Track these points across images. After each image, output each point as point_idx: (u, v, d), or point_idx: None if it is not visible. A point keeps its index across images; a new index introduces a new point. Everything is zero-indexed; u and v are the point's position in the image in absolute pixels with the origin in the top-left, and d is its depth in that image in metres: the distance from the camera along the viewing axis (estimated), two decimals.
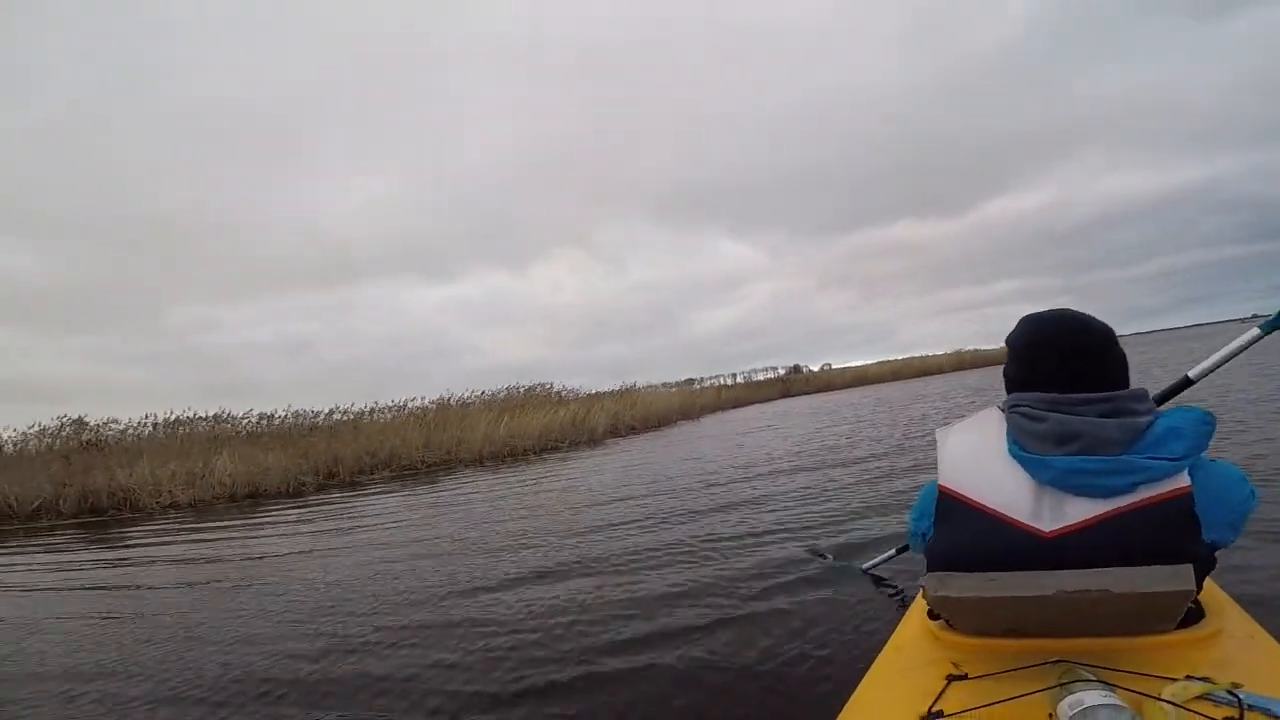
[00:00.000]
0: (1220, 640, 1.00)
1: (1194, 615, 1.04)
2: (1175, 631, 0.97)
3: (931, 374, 38.94)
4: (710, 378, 38.96)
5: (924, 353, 46.38)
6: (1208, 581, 1.10)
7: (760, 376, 43.69)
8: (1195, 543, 0.97)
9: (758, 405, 30.48)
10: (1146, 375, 10.02)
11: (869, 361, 45.71)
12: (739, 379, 41.93)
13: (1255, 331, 1.77)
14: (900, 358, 44.95)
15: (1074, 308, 1.17)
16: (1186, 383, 1.81)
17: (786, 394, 37.96)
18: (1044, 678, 0.89)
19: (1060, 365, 1.10)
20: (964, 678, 0.94)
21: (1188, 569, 0.89)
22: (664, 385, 32.14)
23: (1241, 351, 1.78)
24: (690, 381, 37.32)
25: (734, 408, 29.74)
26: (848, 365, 46.05)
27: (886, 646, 1.23)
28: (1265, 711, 0.75)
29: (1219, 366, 1.79)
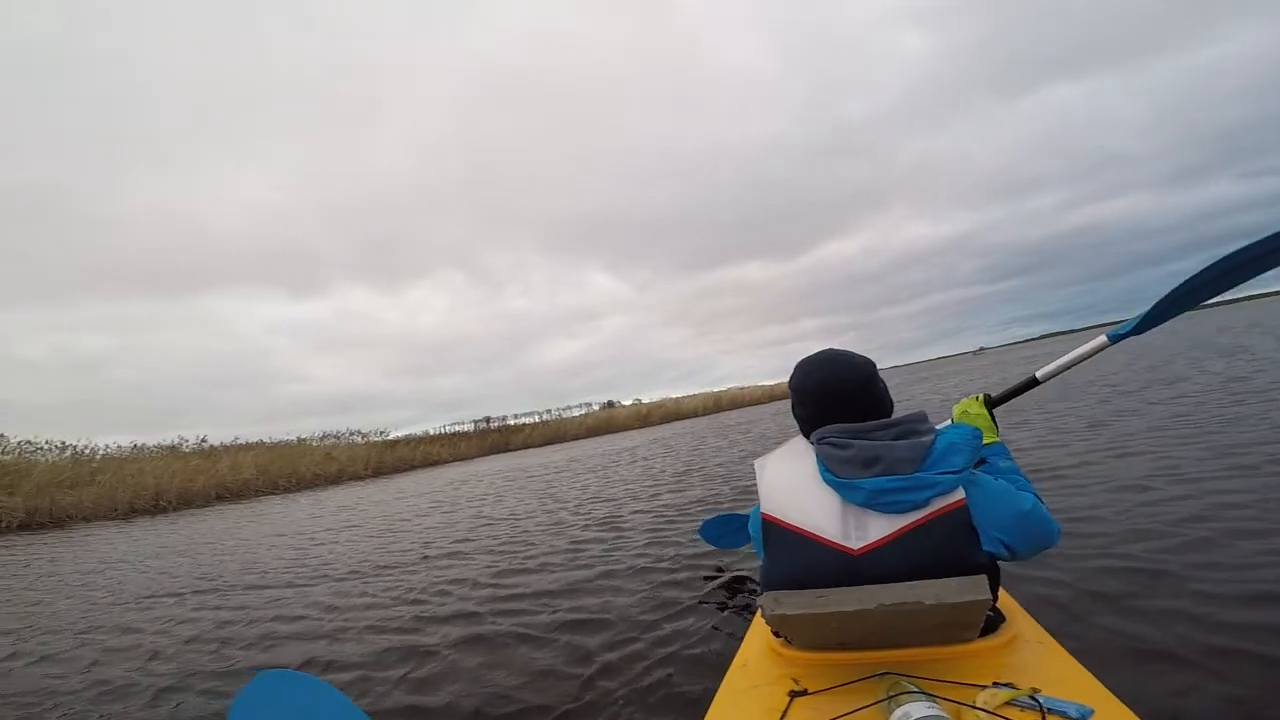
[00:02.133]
0: (1017, 647, 1.12)
1: (993, 623, 1.17)
2: (979, 640, 1.10)
3: (740, 406, 41.19)
4: (512, 415, 38.28)
5: (734, 385, 49.24)
6: (1001, 591, 1.27)
7: (578, 412, 43.78)
8: (978, 553, 1.08)
9: (453, 465, 25.15)
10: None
11: (681, 394, 46.03)
12: (552, 414, 41.22)
13: (1103, 339, 1.85)
14: (700, 391, 46.76)
15: (856, 342, 1.54)
16: (1033, 382, 1.91)
17: (504, 448, 32.00)
18: (875, 690, 0.98)
19: (843, 400, 1.24)
20: (805, 693, 1.02)
21: (982, 579, 1.00)
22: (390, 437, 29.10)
23: (1086, 359, 1.86)
24: (487, 420, 37.01)
25: (412, 469, 24.36)
26: (666, 397, 46.46)
27: (733, 665, 1.29)
28: (1062, 714, 0.85)
29: (1064, 371, 1.89)
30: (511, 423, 38.28)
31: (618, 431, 34.33)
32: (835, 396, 1.24)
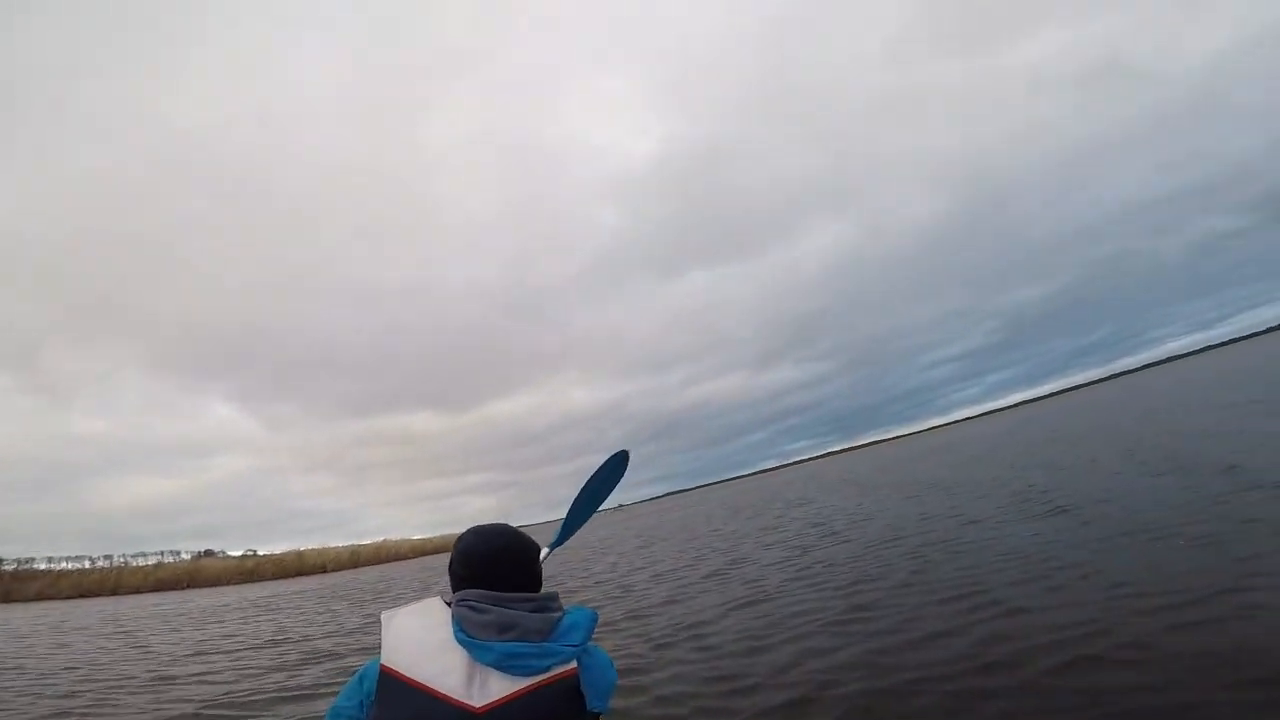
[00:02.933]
0: None
1: None
2: None
3: (383, 561, 36.14)
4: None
5: (381, 539, 42.92)
6: None
7: (153, 561, 35.84)
8: (582, 711, 1.27)
9: None
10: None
11: (312, 547, 39.56)
12: (114, 560, 32.85)
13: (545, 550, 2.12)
14: (337, 545, 39.86)
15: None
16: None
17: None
18: None
19: (501, 571, 1.40)
20: None
21: None
22: None
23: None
24: None
25: None
26: (293, 549, 39.13)
27: None
28: None
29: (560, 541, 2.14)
30: (40, 566, 27.29)
31: (207, 586, 27.36)
32: (505, 565, 1.40)
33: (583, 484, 2.23)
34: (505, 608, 1.30)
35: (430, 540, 38.72)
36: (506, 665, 1.21)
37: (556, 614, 1.33)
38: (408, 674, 1.20)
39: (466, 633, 1.24)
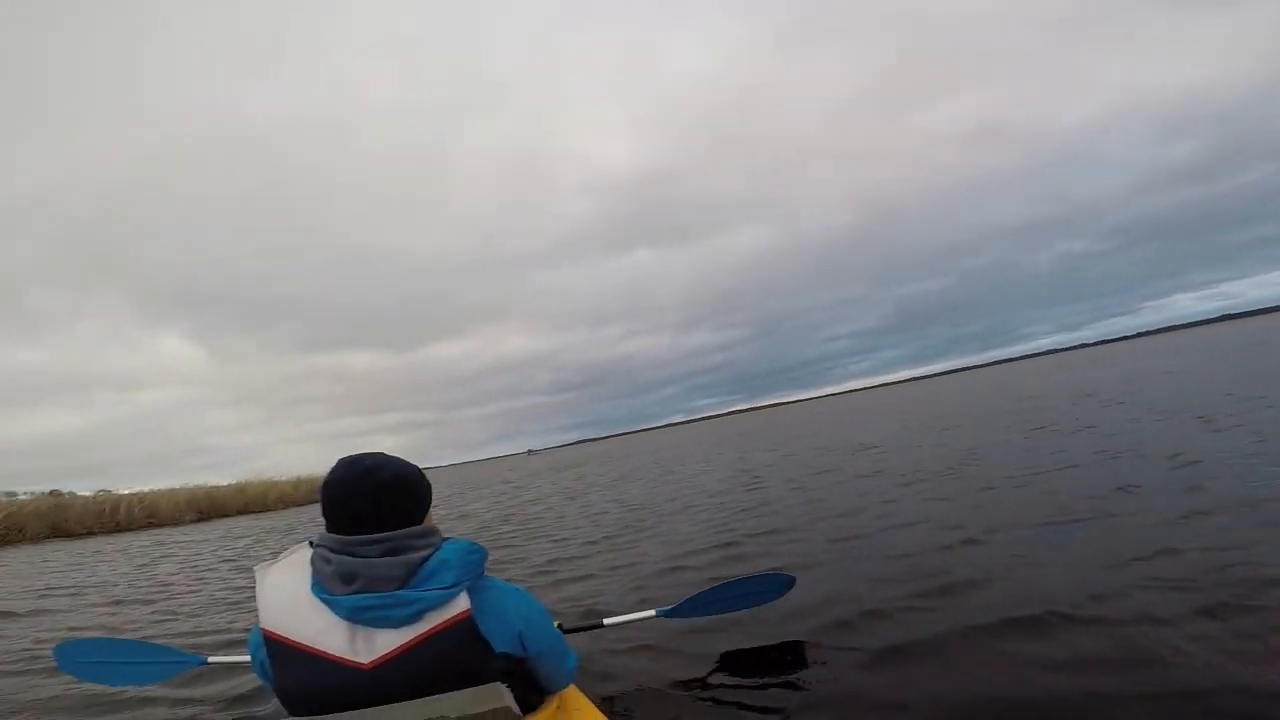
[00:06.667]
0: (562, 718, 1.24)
1: (535, 701, 1.26)
2: (527, 717, 1.15)
3: (261, 510, 23.14)
4: None
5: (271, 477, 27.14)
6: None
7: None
8: (491, 659, 1.13)
9: None
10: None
11: (186, 484, 23.95)
12: None
13: (652, 613, 2.32)
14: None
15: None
16: (599, 625, 2.30)
17: None
18: None
19: (354, 506, 1.17)
20: None
21: (496, 688, 1.06)
22: None
23: (637, 622, 2.34)
24: None
25: None
26: (156, 489, 23.14)
27: None
28: None
29: (622, 625, 2.31)
30: None
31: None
32: (357, 500, 1.17)
33: (729, 580, 2.45)
34: (348, 554, 1.13)
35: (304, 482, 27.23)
36: (360, 619, 1.08)
37: (419, 554, 1.14)
38: (289, 636, 1.10)
39: (321, 586, 1.12)
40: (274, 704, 2.40)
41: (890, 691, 1.91)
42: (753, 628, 2.53)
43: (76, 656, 2.38)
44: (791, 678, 2.11)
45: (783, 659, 2.27)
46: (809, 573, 3.17)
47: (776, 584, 2.45)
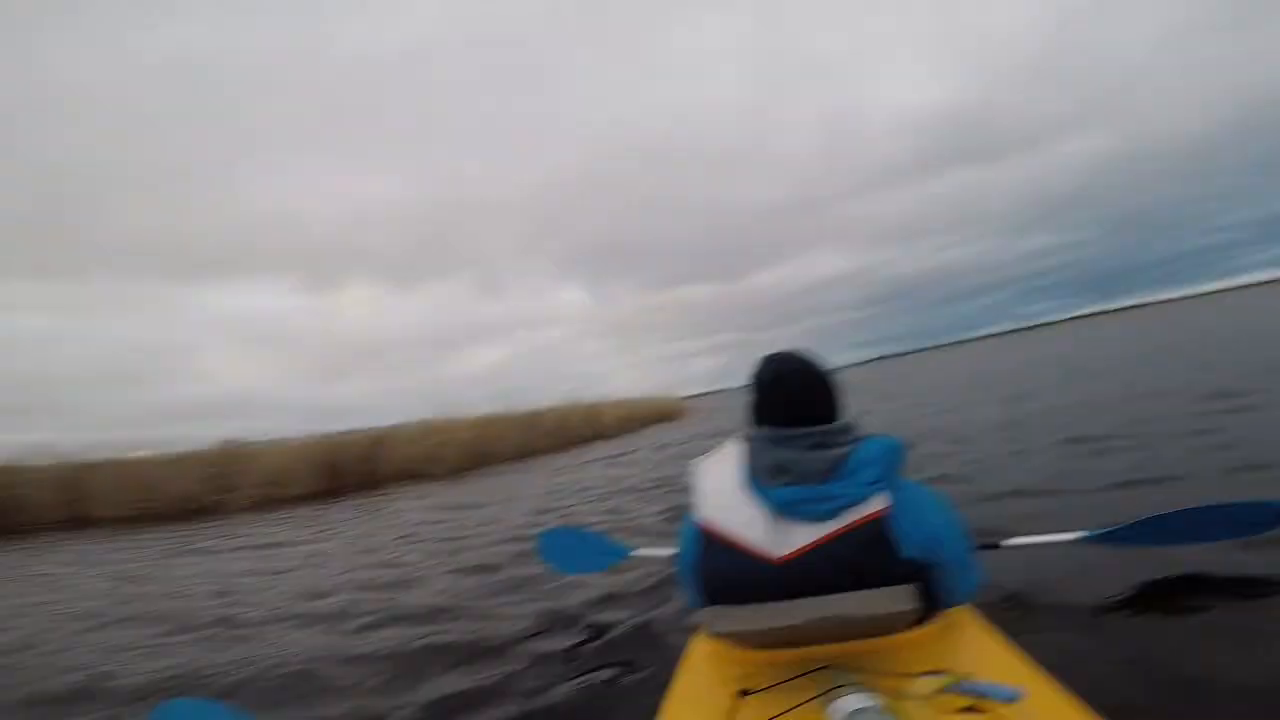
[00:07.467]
0: (952, 633, 1.20)
1: (930, 612, 1.18)
2: (915, 629, 1.13)
3: (587, 439, 17.96)
4: None
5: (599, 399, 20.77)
6: None
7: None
8: (898, 561, 1.09)
9: None
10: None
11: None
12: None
13: (1082, 533, 2.07)
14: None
15: (744, 354, 1.26)
16: (995, 546, 2.07)
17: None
18: (815, 685, 1.01)
19: (782, 401, 1.24)
20: (750, 692, 1.05)
21: (905, 590, 1.06)
22: None
23: (1054, 544, 2.05)
24: None
25: None
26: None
27: (680, 667, 1.29)
28: (991, 696, 0.89)
29: (1028, 546, 2.07)
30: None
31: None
32: (782, 390, 1.24)
33: (1195, 507, 1.97)
34: (781, 448, 1.17)
35: (646, 402, 24.44)
36: (786, 513, 1.11)
37: (843, 449, 1.15)
38: (716, 527, 1.17)
39: (754, 478, 1.17)
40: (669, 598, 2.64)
41: None
42: (1204, 561, 2.05)
43: (552, 544, 2.89)
44: (1237, 629, 1.70)
45: (1240, 603, 1.85)
46: None
47: (1269, 513, 1.93)
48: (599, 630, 2.51)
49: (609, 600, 2.85)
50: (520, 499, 7.88)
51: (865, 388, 19.21)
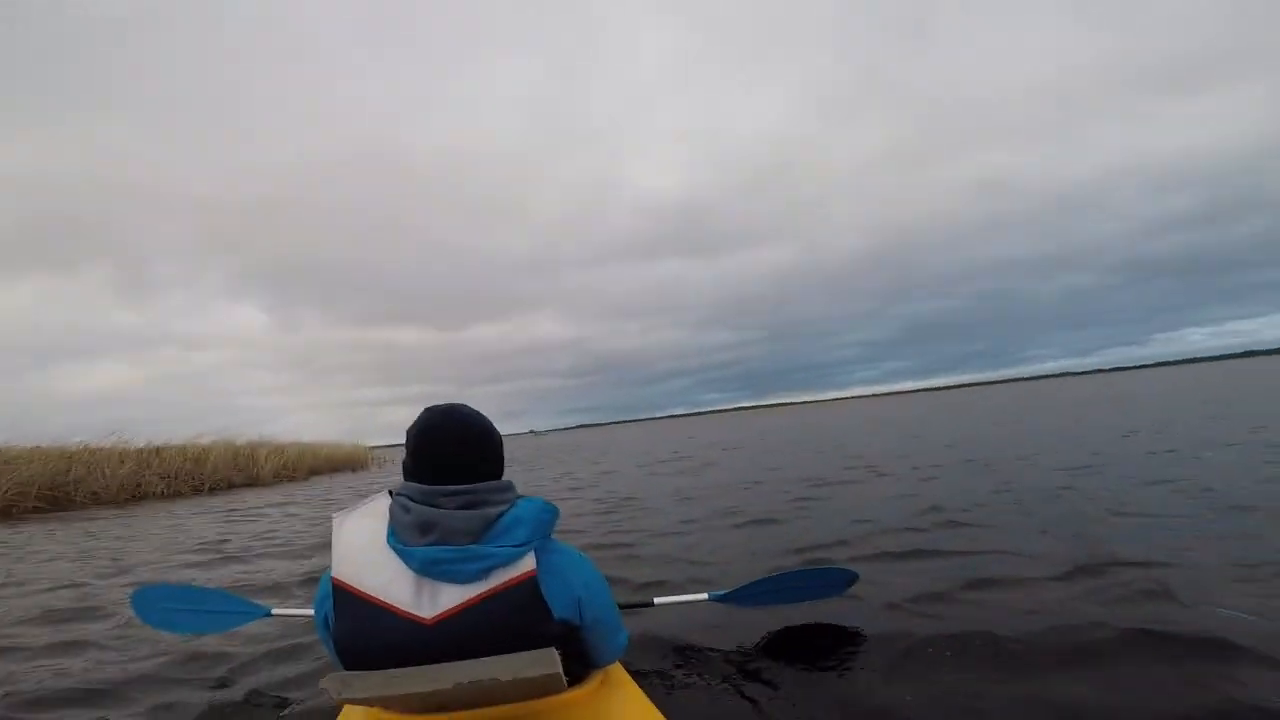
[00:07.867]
0: (601, 696, 1.20)
1: (581, 673, 1.22)
2: (566, 692, 1.11)
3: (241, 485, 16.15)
4: None
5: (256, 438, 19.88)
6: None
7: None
8: (549, 623, 1.09)
9: None
10: None
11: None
12: None
13: (704, 595, 2.35)
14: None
15: (410, 416, 1.24)
16: (648, 605, 2.29)
17: None
18: None
19: (431, 456, 1.18)
20: None
21: (550, 653, 1.00)
22: None
23: (693, 603, 2.38)
24: None
25: None
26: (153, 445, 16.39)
27: None
28: None
29: (671, 603, 2.35)
30: None
31: None
32: (448, 447, 1.18)
33: (788, 570, 2.53)
34: (429, 504, 1.12)
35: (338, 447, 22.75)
36: (431, 572, 1.06)
37: (496, 509, 1.13)
38: (356, 585, 1.08)
39: (397, 535, 1.11)
40: (322, 659, 2.38)
41: (951, 685, 1.87)
42: (807, 617, 2.49)
43: (151, 601, 2.42)
44: (838, 666, 2.07)
45: (832, 646, 2.23)
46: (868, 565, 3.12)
47: (839, 579, 2.42)
48: (231, 702, 2.14)
49: (243, 666, 2.48)
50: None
51: (565, 451, 20.28)
